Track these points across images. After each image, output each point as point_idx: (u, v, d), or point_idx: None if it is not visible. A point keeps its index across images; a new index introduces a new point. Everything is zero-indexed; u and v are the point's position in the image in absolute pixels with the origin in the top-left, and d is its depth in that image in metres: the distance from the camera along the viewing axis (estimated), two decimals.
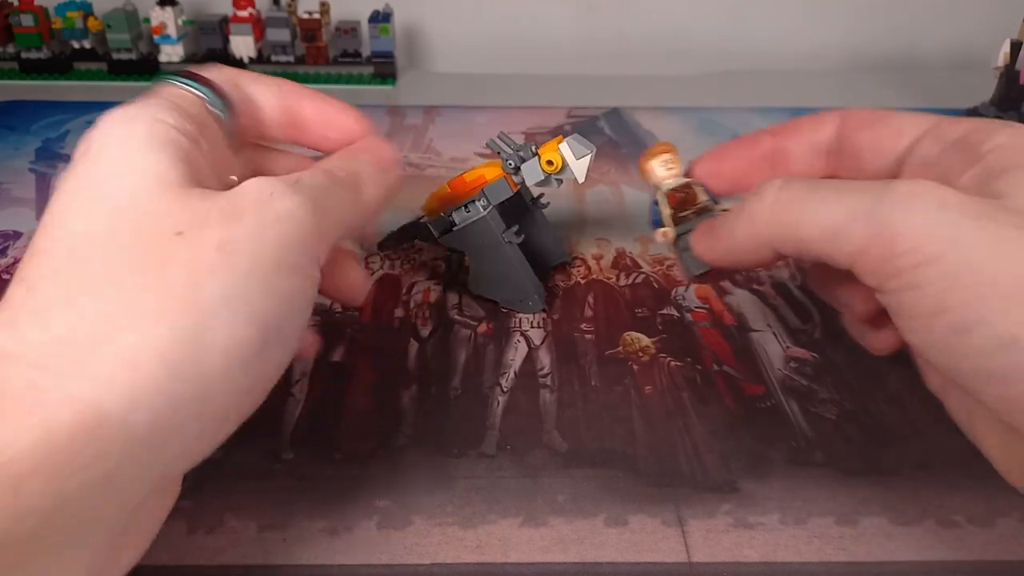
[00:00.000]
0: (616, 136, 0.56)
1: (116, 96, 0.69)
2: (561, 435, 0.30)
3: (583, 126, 0.57)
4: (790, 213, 0.23)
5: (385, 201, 0.27)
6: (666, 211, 0.29)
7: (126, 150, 0.21)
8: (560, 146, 0.33)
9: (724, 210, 0.28)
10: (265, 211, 0.21)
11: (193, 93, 0.24)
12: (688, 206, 0.29)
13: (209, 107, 0.24)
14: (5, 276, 0.39)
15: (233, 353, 0.19)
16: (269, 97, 0.27)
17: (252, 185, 0.21)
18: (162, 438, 0.18)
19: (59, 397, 0.17)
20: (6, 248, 0.41)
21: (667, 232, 0.29)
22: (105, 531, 0.18)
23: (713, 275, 0.28)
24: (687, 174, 0.30)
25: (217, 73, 0.25)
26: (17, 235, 0.42)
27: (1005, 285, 0.19)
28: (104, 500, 0.18)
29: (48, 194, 0.47)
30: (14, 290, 0.19)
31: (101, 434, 0.17)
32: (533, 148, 0.34)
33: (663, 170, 0.29)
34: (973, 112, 0.56)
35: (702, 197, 0.29)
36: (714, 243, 0.26)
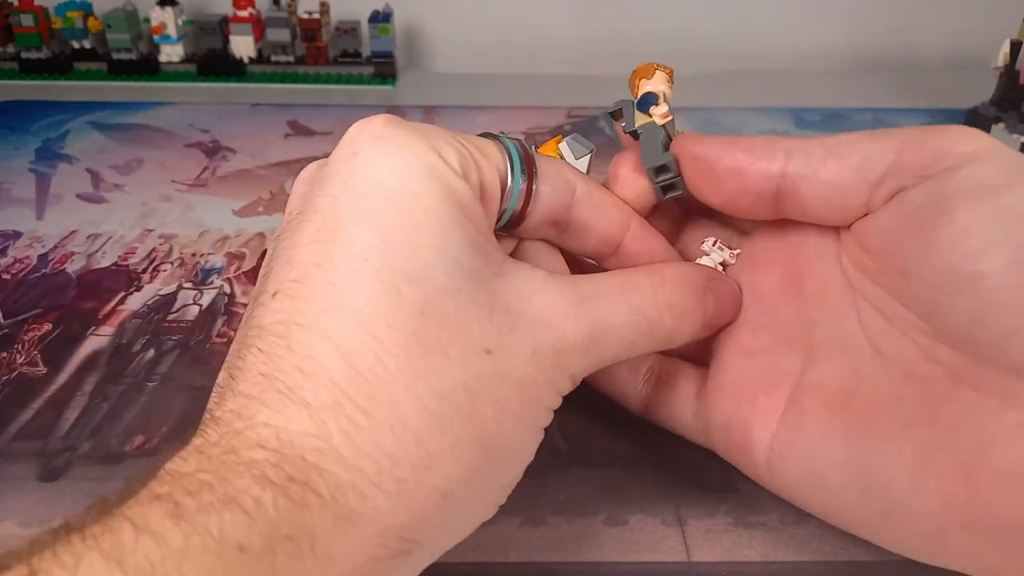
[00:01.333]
0: (616, 136, 0.56)
1: (116, 96, 0.69)
2: (561, 434, 0.30)
3: (583, 126, 0.57)
4: (818, 138, 0.24)
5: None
6: (663, 106, 0.28)
7: (427, 217, 0.19)
8: (560, 146, 0.33)
9: None
10: (559, 367, 0.21)
11: (505, 167, 0.23)
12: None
13: (508, 187, 0.23)
14: (5, 276, 0.39)
15: (496, 497, 0.21)
16: (602, 226, 0.25)
17: (556, 323, 0.21)
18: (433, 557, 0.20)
19: (387, 523, 0.18)
20: (6, 248, 0.41)
21: (666, 113, 0.28)
22: None
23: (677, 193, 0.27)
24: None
25: (561, 174, 0.24)
26: (17, 235, 0.42)
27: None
28: None
29: (48, 194, 0.47)
30: (337, 368, 0.18)
31: (407, 561, 0.18)
32: (533, 148, 0.34)
33: (666, 86, 0.29)
34: (973, 112, 0.56)
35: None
36: (711, 139, 0.25)
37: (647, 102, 0.28)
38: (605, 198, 0.26)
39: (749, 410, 0.24)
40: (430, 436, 0.18)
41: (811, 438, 0.23)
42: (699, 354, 0.28)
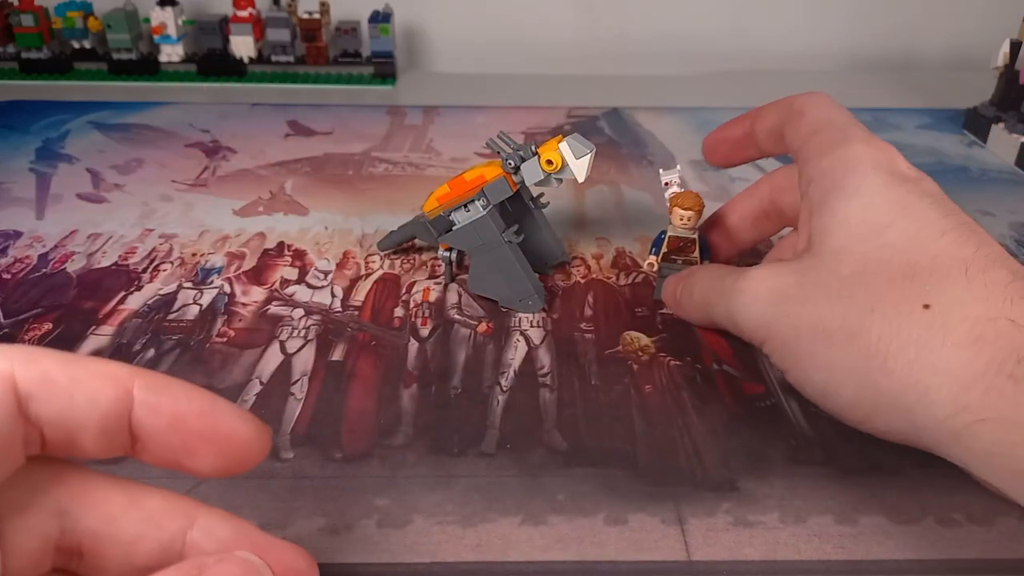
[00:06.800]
0: (616, 136, 0.56)
1: (116, 96, 0.69)
2: (561, 434, 0.30)
3: (583, 126, 0.57)
4: (708, 302, 0.33)
5: None
6: (663, 249, 0.36)
7: None
8: (560, 146, 0.33)
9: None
10: None
11: None
12: (680, 254, 0.36)
13: None
14: (5, 276, 0.39)
15: None
16: (99, 404, 0.19)
17: None
18: None
19: None
20: (6, 248, 0.41)
21: (652, 262, 0.37)
22: None
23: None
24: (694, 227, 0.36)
25: (25, 366, 0.18)
26: (17, 235, 0.43)
27: (794, 342, 0.28)
28: None
29: (48, 194, 0.47)
30: None
31: None
32: (533, 148, 0.34)
33: (679, 220, 0.35)
34: (972, 112, 0.56)
35: (694, 253, 0.36)
36: (674, 290, 0.35)
37: (652, 251, 0.37)
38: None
39: None
40: None
41: None
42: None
